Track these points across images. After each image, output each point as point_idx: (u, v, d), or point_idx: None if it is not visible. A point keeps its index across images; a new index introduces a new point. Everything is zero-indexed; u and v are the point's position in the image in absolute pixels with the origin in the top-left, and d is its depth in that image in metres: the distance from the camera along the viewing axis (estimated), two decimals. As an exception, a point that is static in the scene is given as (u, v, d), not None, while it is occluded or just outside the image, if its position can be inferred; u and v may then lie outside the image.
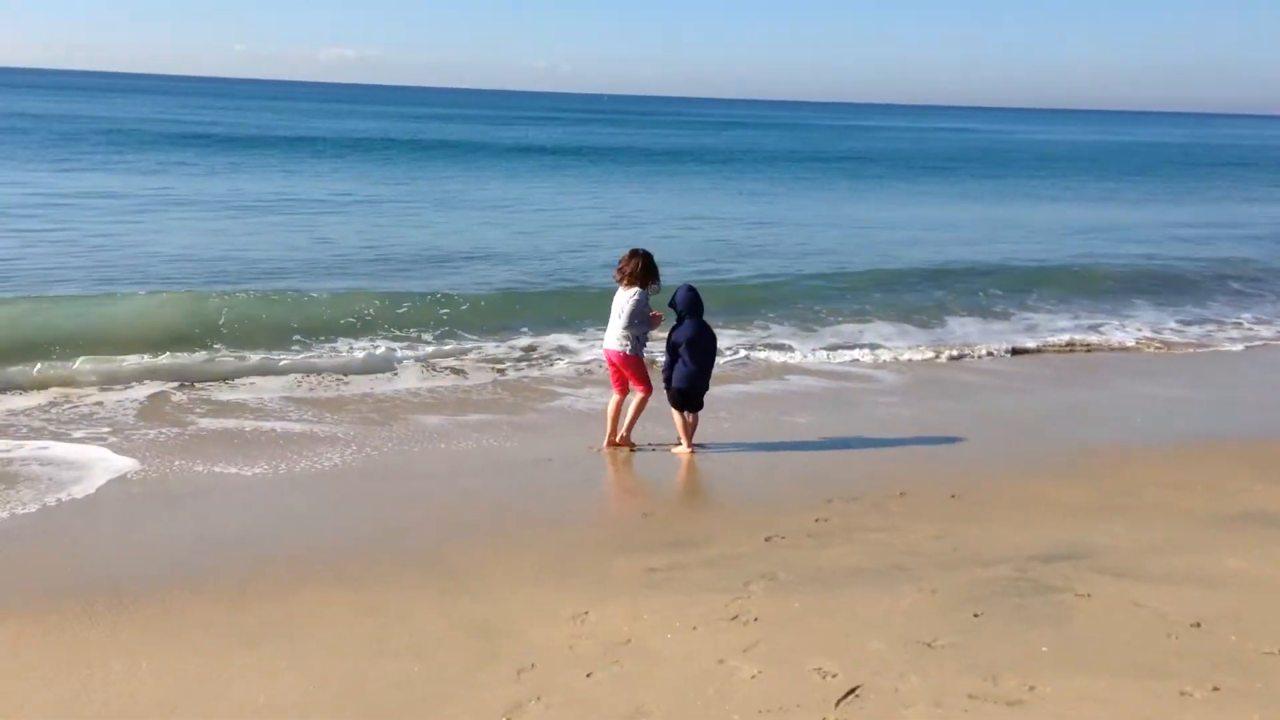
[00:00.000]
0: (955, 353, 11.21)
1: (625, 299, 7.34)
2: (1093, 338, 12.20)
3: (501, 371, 9.90)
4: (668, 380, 7.43)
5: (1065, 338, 12.11)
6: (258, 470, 6.87)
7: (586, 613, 4.70)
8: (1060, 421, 8.65)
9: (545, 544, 5.69)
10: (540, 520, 6.11)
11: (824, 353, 11.03)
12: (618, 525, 6.25)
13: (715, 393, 7.89)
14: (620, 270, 7.38)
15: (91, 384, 8.71)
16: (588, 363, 10.19)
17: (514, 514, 6.22)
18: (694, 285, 7.54)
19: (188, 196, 22.60)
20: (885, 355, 11.06)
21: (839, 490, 6.61)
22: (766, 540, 5.70)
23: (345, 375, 9.35)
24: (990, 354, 11.22)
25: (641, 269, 7.31)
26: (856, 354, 11.02)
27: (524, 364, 10.15)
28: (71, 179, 24.93)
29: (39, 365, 8.91)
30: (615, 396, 7.48)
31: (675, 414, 7.47)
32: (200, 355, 9.70)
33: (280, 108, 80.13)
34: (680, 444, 7.47)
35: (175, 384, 8.89)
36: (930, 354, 11.15)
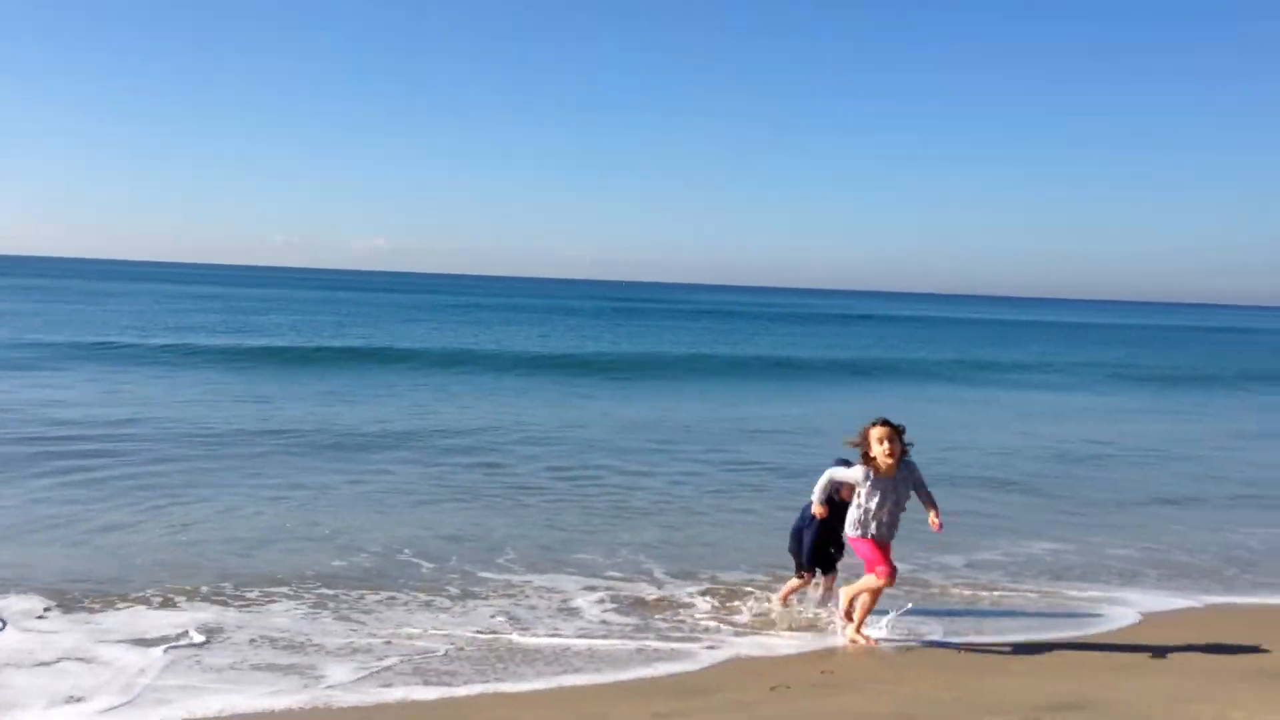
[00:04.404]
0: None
1: (907, 474, 7.16)
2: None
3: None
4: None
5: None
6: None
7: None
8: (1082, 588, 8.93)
9: (549, 689, 6.08)
10: (554, 667, 6.50)
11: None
12: (622, 673, 6.55)
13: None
14: (896, 448, 7.05)
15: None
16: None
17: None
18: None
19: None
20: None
21: (850, 645, 7.08)
22: (771, 690, 6.10)
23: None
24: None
25: None
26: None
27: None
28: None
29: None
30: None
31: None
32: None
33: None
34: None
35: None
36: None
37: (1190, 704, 5.81)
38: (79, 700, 5.74)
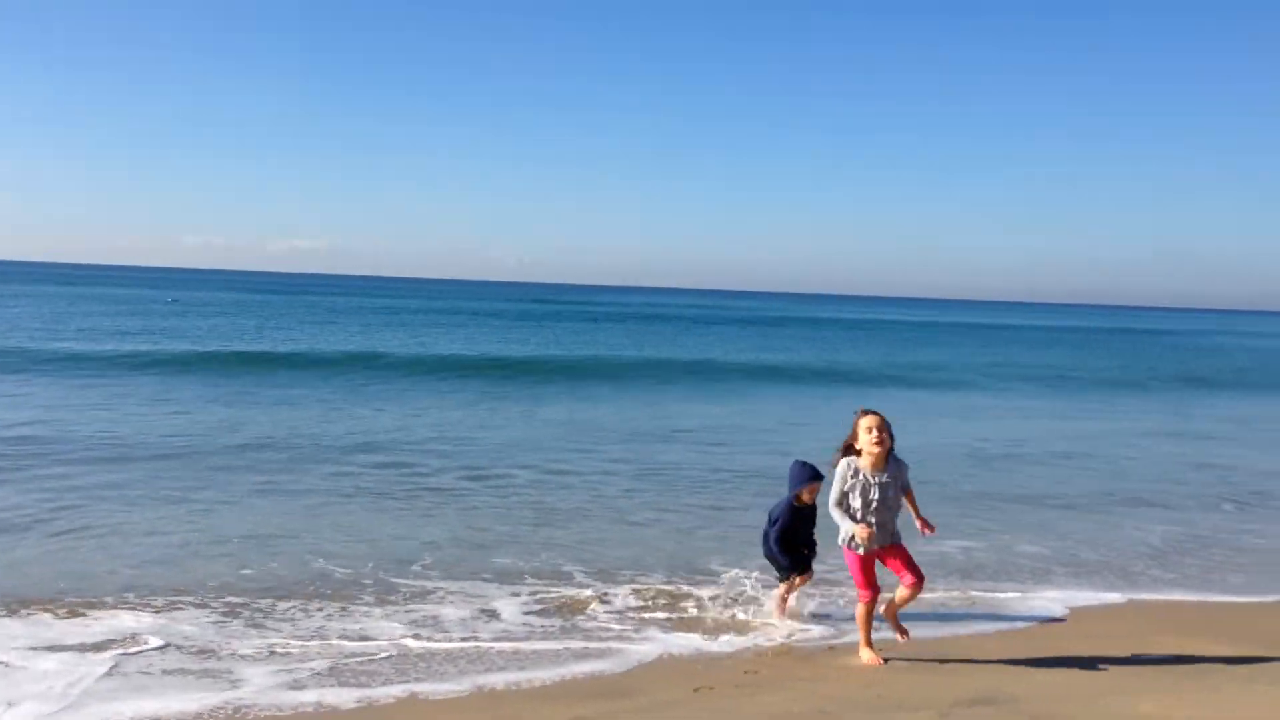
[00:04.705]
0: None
1: (897, 472, 6.66)
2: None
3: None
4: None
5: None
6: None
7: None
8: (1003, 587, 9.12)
9: (471, 693, 6.08)
10: (475, 669, 6.48)
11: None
12: (544, 675, 6.53)
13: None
14: (885, 438, 6.55)
15: None
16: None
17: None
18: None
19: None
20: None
21: (770, 645, 7.15)
22: (695, 691, 6.15)
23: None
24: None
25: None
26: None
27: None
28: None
29: None
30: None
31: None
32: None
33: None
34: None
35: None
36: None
37: (1105, 697, 5.97)
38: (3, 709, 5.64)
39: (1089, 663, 6.79)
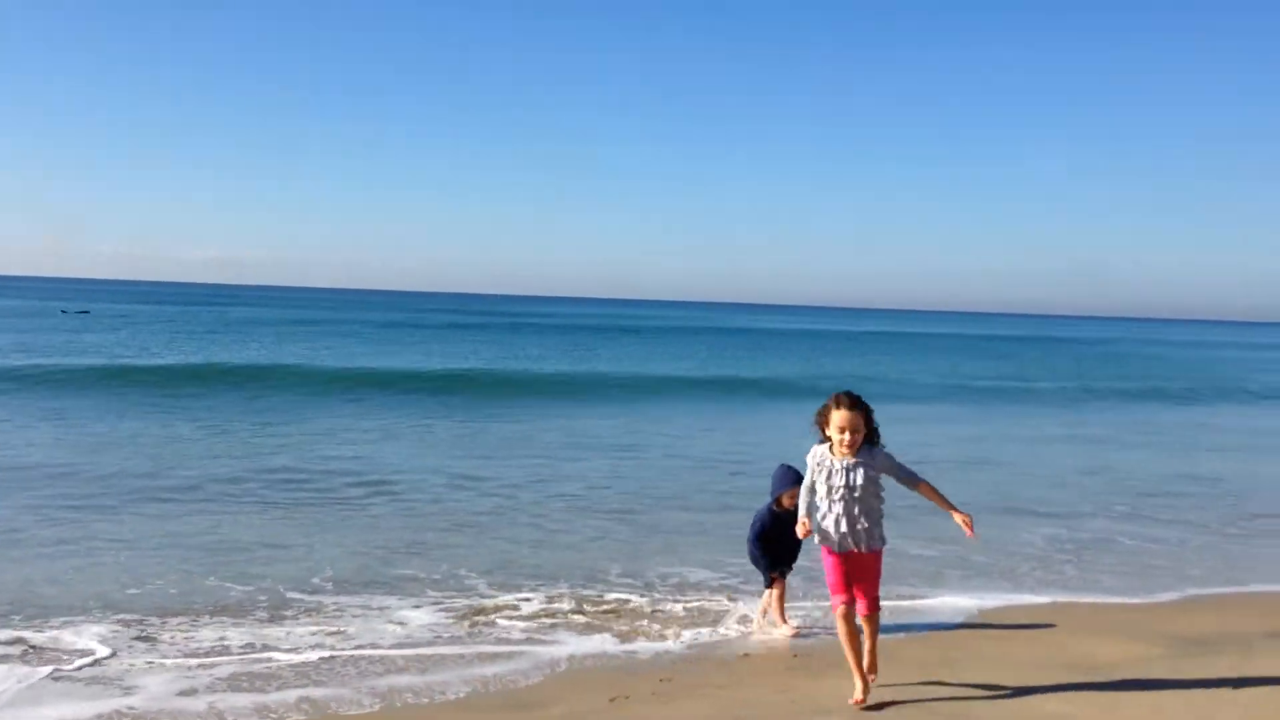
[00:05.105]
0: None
1: (871, 460, 5.96)
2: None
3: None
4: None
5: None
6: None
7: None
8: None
9: (377, 709, 6.02)
10: (365, 676, 6.40)
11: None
12: (454, 689, 6.44)
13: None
14: (858, 440, 5.90)
15: None
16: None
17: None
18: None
19: None
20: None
21: (686, 653, 7.17)
22: (611, 701, 6.13)
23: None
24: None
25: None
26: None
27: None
28: None
29: None
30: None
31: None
32: None
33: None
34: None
35: None
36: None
37: (1012, 697, 6.11)
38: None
39: (996, 664, 6.86)
